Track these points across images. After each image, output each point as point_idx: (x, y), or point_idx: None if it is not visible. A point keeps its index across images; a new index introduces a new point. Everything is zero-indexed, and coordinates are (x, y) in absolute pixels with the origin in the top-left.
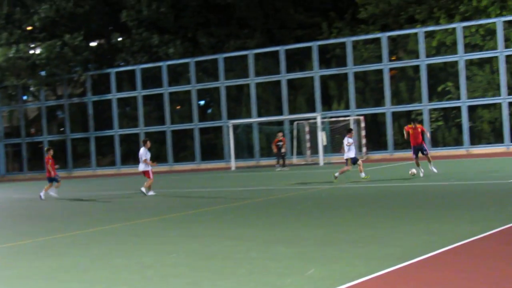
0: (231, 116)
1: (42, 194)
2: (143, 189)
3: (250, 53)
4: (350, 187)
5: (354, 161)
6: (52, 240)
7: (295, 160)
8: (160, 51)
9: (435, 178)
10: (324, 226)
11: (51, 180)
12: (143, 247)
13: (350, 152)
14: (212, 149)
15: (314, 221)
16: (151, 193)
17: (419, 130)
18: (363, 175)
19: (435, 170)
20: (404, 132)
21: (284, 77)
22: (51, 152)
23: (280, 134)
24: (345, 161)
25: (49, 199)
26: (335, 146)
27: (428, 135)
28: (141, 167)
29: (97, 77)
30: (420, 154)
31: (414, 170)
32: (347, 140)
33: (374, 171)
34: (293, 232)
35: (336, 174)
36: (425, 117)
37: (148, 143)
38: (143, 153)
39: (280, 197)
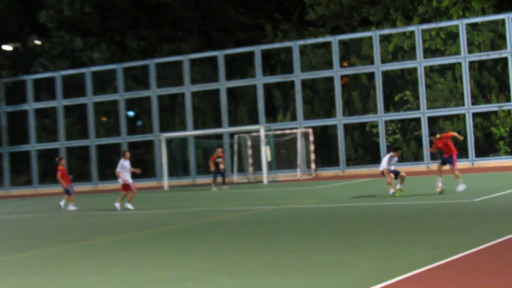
0: (163, 129)
1: (70, 206)
2: (128, 205)
3: (185, 58)
4: (300, 208)
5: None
6: None
7: (235, 178)
8: (84, 56)
9: (393, 198)
10: (269, 252)
11: (67, 191)
12: (64, 277)
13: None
14: (143, 166)
15: (258, 246)
16: (130, 206)
17: (444, 140)
18: (392, 191)
19: (459, 188)
20: (432, 148)
21: (223, 85)
22: (62, 162)
23: (220, 149)
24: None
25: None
26: (280, 162)
27: (457, 136)
28: (122, 179)
29: (11, 85)
30: (447, 167)
31: (440, 184)
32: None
33: (325, 190)
34: (234, 259)
35: (397, 187)
36: (381, 129)
37: (127, 154)
38: (120, 165)
39: (219, 219)
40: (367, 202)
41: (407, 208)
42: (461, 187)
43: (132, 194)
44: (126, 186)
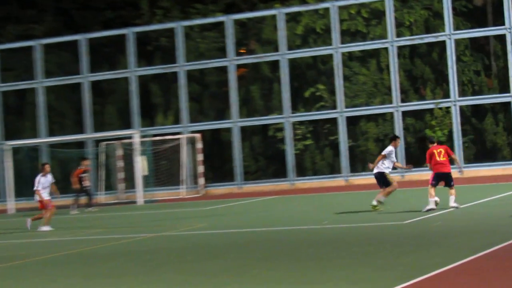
0: (8, 135)
1: None
2: (44, 228)
3: (37, 43)
4: (185, 235)
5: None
6: None
7: (102, 197)
8: None
9: (300, 221)
10: None
11: None
12: None
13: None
14: None
15: (129, 286)
16: (45, 228)
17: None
18: (382, 198)
19: (455, 204)
20: (427, 155)
21: (86, 78)
22: None
23: (86, 162)
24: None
25: None
26: (159, 176)
27: (455, 159)
28: (40, 197)
29: None
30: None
31: (433, 205)
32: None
33: (216, 211)
34: None
35: (375, 202)
36: (287, 133)
37: (47, 168)
38: (37, 181)
39: (80, 251)
40: (269, 227)
41: (320, 233)
42: (428, 207)
43: (49, 214)
44: (42, 204)
